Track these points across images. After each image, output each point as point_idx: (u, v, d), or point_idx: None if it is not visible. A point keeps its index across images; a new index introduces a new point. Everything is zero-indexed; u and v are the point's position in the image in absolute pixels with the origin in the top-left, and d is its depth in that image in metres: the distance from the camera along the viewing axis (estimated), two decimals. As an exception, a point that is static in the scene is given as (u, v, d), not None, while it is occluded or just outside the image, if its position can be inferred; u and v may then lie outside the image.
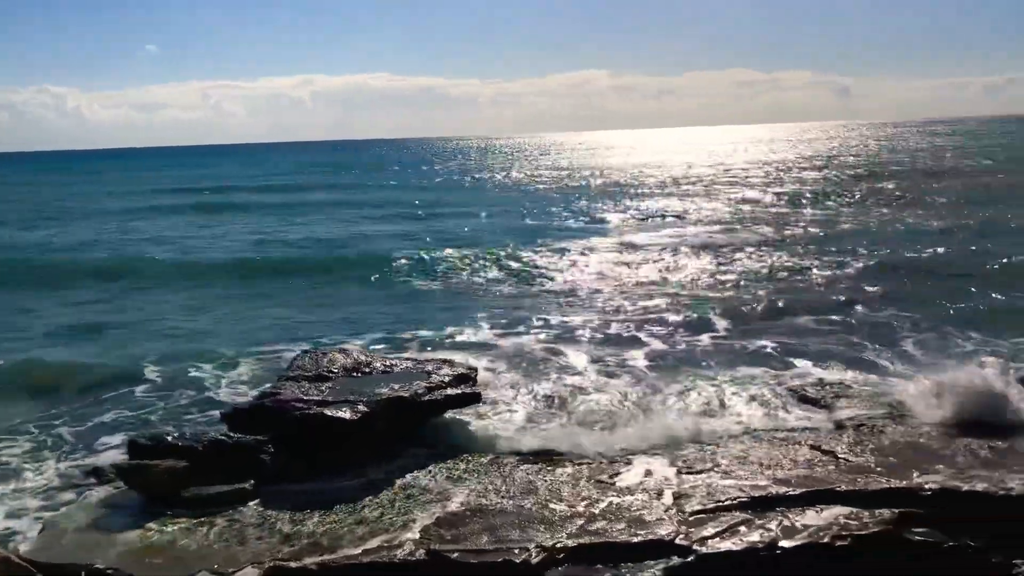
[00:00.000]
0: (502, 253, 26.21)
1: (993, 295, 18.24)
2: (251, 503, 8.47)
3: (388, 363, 11.85)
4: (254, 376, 13.80)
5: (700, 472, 8.85)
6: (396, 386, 10.52)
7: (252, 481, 8.79)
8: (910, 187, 44.76)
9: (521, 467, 9.23)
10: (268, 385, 11.75)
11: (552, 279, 22.44)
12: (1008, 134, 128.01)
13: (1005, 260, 21.88)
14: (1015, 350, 13.70)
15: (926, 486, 7.96)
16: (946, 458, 8.83)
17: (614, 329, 16.22)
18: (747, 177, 60.13)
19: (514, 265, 24.66)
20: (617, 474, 8.92)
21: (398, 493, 8.62)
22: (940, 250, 24.30)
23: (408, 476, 9.06)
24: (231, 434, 9.59)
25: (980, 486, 7.87)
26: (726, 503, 7.96)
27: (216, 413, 11.18)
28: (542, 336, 15.91)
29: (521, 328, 16.60)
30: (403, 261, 25.56)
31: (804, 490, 8.09)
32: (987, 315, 16.44)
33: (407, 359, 12.55)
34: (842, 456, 8.99)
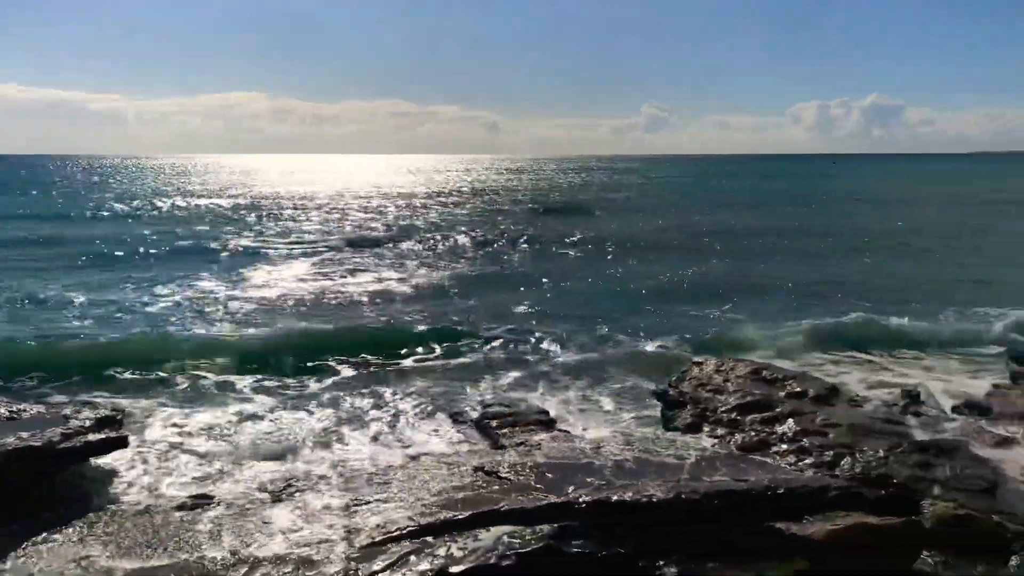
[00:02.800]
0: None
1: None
2: None
3: (13, 409, 10.41)
4: None
5: (370, 503, 8.71)
6: (25, 434, 9.25)
7: None
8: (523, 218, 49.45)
9: (175, 515, 8.49)
10: None
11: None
12: (632, 172, 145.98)
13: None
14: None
15: (580, 500, 8.45)
16: (596, 470, 9.49)
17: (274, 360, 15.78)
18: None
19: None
20: (284, 512, 8.51)
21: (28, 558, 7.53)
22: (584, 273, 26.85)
23: (40, 536, 7.96)
24: None
25: (628, 495, 8.50)
26: (396, 533, 7.88)
27: None
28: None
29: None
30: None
31: (471, 513, 8.24)
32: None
33: (37, 404, 11.13)
34: (504, 476, 9.31)
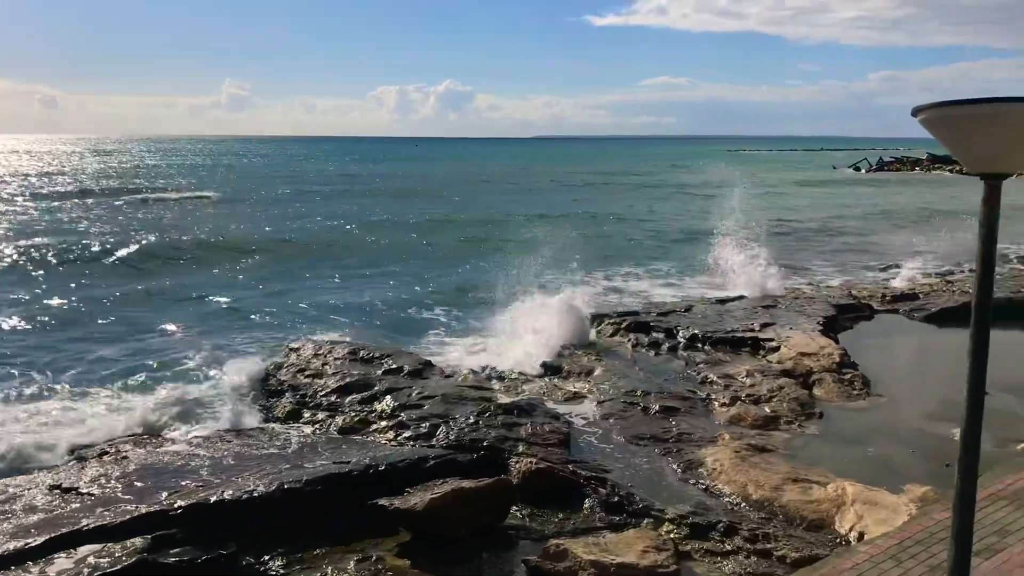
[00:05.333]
0: None
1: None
2: None
3: None
4: None
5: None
6: None
7: None
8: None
9: None
10: None
11: None
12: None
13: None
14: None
15: (175, 505, 7.92)
16: (193, 471, 8.97)
17: None
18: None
19: None
20: None
21: None
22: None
23: None
24: None
25: (228, 493, 8.14)
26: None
27: None
28: None
29: None
30: None
31: (47, 538, 7.35)
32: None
33: None
34: (86, 491, 8.43)
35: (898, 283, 21.82)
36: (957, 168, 77.78)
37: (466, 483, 8.46)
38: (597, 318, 17.01)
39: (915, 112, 3.09)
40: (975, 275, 3.16)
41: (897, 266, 25.35)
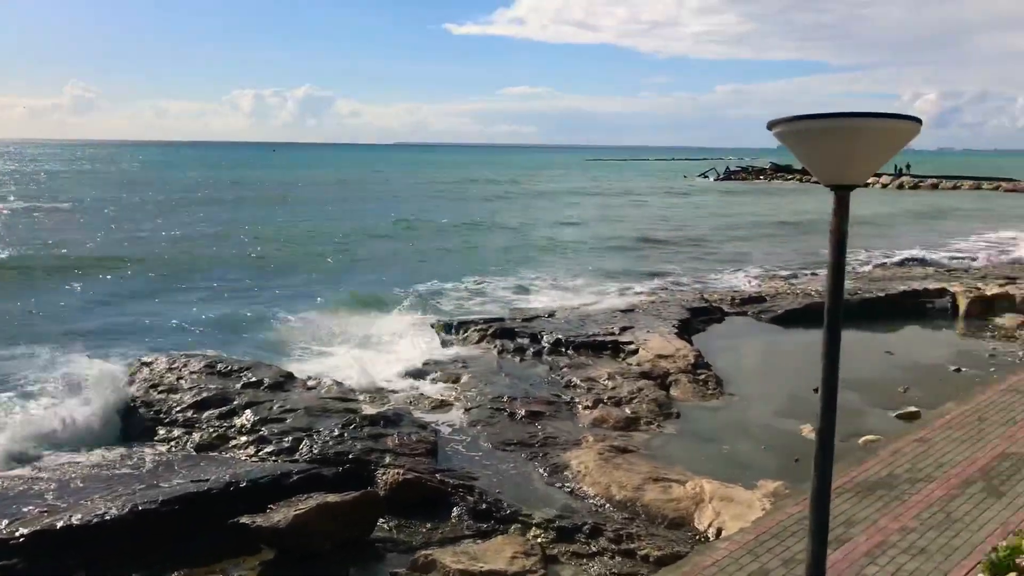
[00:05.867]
0: None
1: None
2: None
3: None
4: None
5: None
6: None
7: None
8: None
9: None
10: None
11: None
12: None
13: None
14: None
15: (17, 533, 7.40)
16: (37, 496, 8.42)
17: None
18: None
19: None
20: None
21: None
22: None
23: None
24: None
25: (76, 518, 7.67)
26: None
27: None
28: None
29: None
30: None
31: None
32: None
33: None
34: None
35: (747, 287, 22.83)
36: (798, 177, 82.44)
37: (331, 497, 8.28)
38: (463, 325, 17.04)
39: (770, 126, 3.23)
40: (827, 280, 3.33)
41: (746, 271, 26.55)
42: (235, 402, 11.70)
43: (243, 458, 10.08)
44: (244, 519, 7.94)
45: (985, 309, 18.96)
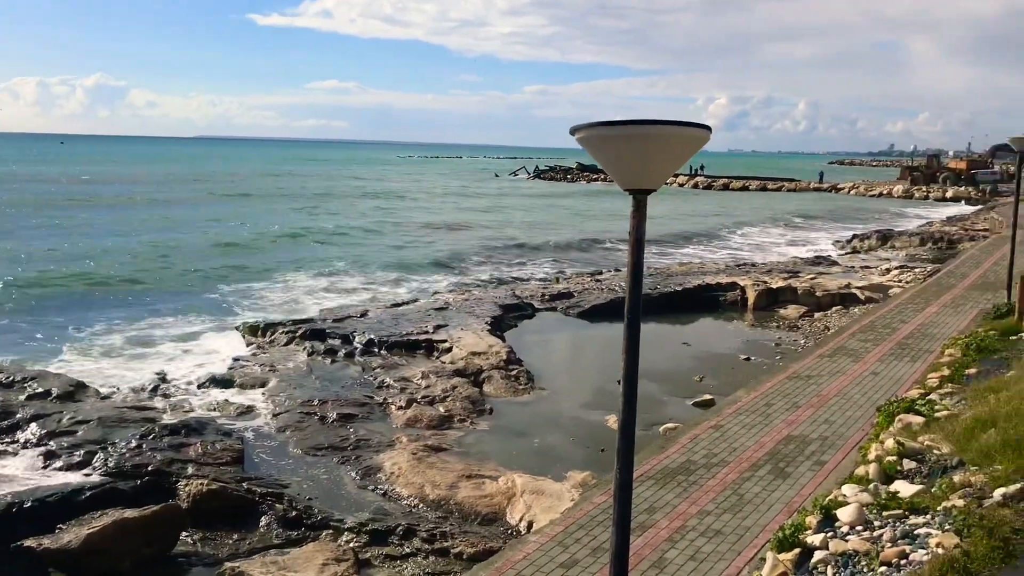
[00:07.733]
0: None
1: None
2: None
3: None
4: None
5: None
6: None
7: None
8: None
9: None
10: None
11: None
12: None
13: None
14: None
15: None
16: None
17: None
18: None
19: None
20: None
21: None
22: None
23: None
24: None
25: None
26: None
27: None
28: None
29: None
30: None
31: None
32: None
33: None
34: None
35: (558, 284, 23.44)
36: (602, 177, 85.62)
37: (129, 513, 7.81)
38: (270, 327, 16.51)
39: (573, 131, 3.30)
40: (627, 280, 3.46)
41: (561, 271, 27.22)
42: (19, 415, 10.83)
43: (25, 476, 9.32)
44: (29, 542, 7.35)
45: (771, 301, 20.44)
